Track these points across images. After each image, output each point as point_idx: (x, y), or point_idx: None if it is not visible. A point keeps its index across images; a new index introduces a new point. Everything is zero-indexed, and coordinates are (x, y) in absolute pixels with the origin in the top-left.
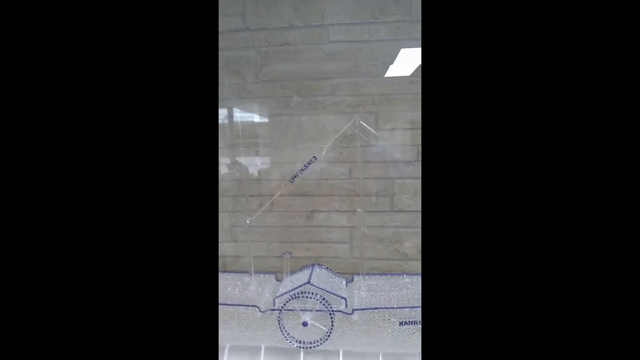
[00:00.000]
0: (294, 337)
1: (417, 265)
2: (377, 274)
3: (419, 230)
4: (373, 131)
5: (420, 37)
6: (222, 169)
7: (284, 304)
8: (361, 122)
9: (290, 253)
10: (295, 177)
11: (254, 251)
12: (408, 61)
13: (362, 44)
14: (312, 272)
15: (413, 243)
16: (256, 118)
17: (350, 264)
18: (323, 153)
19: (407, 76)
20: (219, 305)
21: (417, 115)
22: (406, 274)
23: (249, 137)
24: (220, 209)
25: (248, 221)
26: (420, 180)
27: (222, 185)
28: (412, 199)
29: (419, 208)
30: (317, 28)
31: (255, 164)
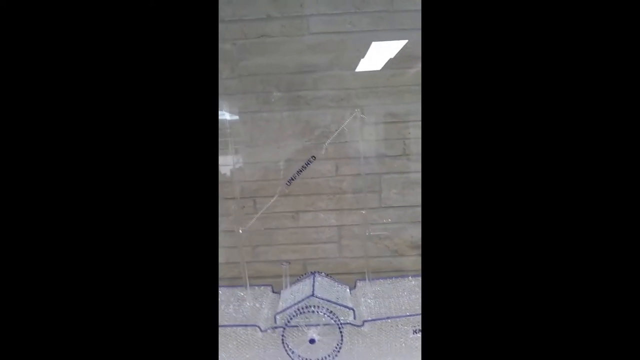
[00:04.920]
0: (300, 356)
1: (408, 261)
2: (381, 279)
3: (408, 225)
4: (371, 125)
5: (402, 27)
6: None
7: (288, 321)
8: (362, 115)
9: (289, 262)
10: (293, 179)
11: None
12: (379, 54)
13: (344, 35)
14: (314, 282)
15: (402, 239)
16: (234, 115)
17: (339, 264)
18: (323, 151)
19: (388, 69)
20: None
21: (402, 108)
22: (411, 276)
23: (227, 135)
24: None
25: (241, 231)
26: (407, 175)
27: None
28: (399, 194)
29: (407, 203)
30: (296, 19)
31: (232, 163)
